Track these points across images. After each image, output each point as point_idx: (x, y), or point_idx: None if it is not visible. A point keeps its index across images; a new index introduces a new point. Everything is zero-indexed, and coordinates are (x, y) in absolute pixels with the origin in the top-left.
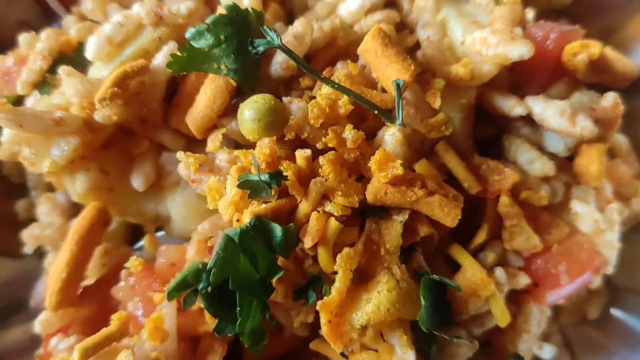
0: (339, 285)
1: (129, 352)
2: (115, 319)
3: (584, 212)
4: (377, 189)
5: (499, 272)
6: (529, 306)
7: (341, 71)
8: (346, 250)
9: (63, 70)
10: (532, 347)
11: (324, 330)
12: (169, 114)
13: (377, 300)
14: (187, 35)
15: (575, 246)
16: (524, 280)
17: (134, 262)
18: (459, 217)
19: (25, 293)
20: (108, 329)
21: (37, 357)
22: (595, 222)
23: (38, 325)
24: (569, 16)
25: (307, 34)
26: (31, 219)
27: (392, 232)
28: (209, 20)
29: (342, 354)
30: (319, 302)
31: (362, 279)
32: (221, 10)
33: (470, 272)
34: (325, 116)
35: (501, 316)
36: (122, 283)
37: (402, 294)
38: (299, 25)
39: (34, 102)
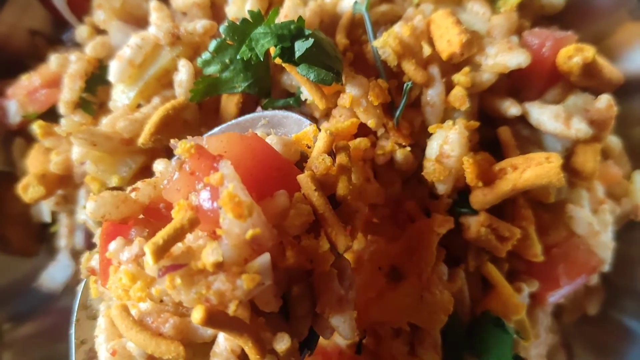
0: (364, 279)
1: (215, 244)
2: (176, 210)
3: (579, 216)
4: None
5: (525, 291)
6: (535, 312)
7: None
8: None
9: (108, 119)
10: (543, 353)
11: None
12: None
13: (393, 300)
14: (198, 64)
15: (572, 248)
16: (533, 287)
17: (184, 146)
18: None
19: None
20: (175, 219)
21: (87, 270)
22: (590, 224)
23: (91, 207)
24: (560, 23)
25: None
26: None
27: (430, 241)
28: (211, 47)
29: None
30: None
31: (397, 277)
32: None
33: (505, 297)
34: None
35: (525, 334)
36: (175, 176)
37: (420, 303)
38: None
39: (105, 122)
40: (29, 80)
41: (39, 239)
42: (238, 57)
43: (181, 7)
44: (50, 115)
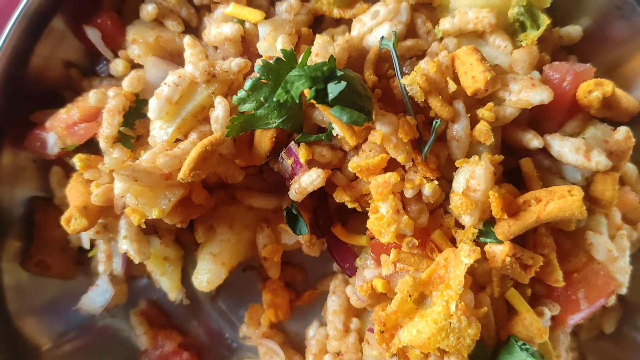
0: (394, 308)
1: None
2: None
3: (599, 243)
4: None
5: (547, 315)
6: (556, 333)
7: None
8: (407, 278)
9: (148, 154)
10: None
11: (376, 335)
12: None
13: (422, 326)
14: (234, 101)
15: (592, 274)
16: (555, 311)
17: None
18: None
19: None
20: None
21: None
22: (609, 251)
23: None
24: (577, 53)
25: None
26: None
27: (457, 270)
28: (246, 86)
29: None
30: (375, 313)
31: (422, 299)
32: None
33: (528, 321)
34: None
35: (549, 357)
36: None
37: (449, 329)
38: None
39: (145, 158)
40: (67, 114)
41: (77, 262)
42: (275, 99)
43: (213, 42)
44: (88, 146)
